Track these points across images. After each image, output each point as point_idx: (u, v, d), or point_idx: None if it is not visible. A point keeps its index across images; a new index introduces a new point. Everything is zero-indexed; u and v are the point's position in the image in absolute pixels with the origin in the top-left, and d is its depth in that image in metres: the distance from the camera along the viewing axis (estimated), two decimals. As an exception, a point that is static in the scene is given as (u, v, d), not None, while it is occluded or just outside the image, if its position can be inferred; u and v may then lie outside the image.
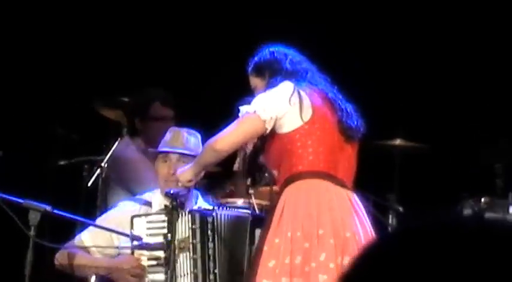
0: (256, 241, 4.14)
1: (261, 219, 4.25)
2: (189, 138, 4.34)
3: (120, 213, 4.27)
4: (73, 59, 6.16)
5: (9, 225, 3.94)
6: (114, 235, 4.25)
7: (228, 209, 4.43)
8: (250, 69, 3.98)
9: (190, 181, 3.95)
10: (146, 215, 4.23)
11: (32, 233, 3.83)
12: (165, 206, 4.19)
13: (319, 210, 3.68)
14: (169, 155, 4.27)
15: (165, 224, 4.15)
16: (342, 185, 3.75)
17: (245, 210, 4.55)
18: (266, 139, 3.82)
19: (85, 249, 4.26)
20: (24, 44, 6.16)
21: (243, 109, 3.76)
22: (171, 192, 4.03)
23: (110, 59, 6.14)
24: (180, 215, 4.13)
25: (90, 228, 4.29)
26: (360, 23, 6.03)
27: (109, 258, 4.27)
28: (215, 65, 6.01)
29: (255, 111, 3.68)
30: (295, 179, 3.73)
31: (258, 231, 4.27)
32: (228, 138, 3.74)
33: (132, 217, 4.13)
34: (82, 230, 4.28)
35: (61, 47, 6.22)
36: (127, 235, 4.10)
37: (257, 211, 4.73)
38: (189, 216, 4.12)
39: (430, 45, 6.06)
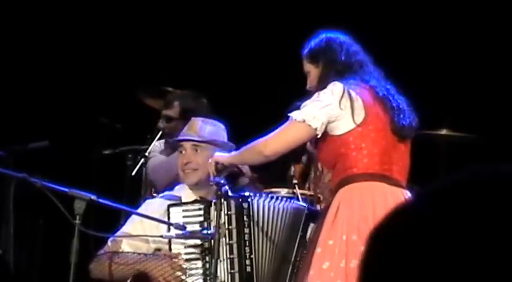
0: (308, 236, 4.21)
1: (316, 214, 4.34)
2: (203, 126, 4.35)
3: (150, 212, 4.24)
4: (117, 49, 6.24)
5: (55, 214, 4.00)
6: (149, 238, 4.25)
7: (281, 199, 4.51)
8: (304, 53, 3.98)
9: (221, 165, 3.93)
10: (182, 203, 4.25)
11: (77, 221, 3.86)
12: (200, 197, 4.24)
13: (375, 214, 3.68)
14: (183, 144, 4.28)
15: (201, 212, 4.20)
16: (397, 184, 3.75)
17: (301, 203, 4.66)
18: (319, 138, 3.82)
19: (119, 251, 4.25)
20: (68, 34, 6.30)
21: (293, 115, 3.77)
22: (216, 180, 4.05)
23: (154, 49, 6.21)
24: (216, 203, 4.17)
25: (123, 230, 4.32)
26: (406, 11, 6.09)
27: (145, 257, 4.25)
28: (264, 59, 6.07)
29: (304, 120, 3.69)
30: (349, 181, 3.73)
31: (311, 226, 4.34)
32: (277, 144, 3.77)
33: (169, 206, 4.15)
34: (127, 219, 4.31)
35: (106, 38, 6.31)
36: (171, 224, 4.08)
37: (300, 200, 4.84)
38: (225, 202, 4.15)
39: (474, 31, 6.06)
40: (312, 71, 3.93)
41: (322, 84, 3.79)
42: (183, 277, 4.22)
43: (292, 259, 4.29)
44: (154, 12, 6.32)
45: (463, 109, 5.79)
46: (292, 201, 4.71)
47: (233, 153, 3.99)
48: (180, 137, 4.36)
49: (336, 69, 3.81)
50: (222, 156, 3.99)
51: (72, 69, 6.20)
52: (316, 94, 3.76)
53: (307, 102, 3.76)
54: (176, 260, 4.19)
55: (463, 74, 6.07)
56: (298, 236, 4.31)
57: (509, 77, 6.00)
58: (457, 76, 6.04)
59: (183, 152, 4.27)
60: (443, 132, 5.04)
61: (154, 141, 4.73)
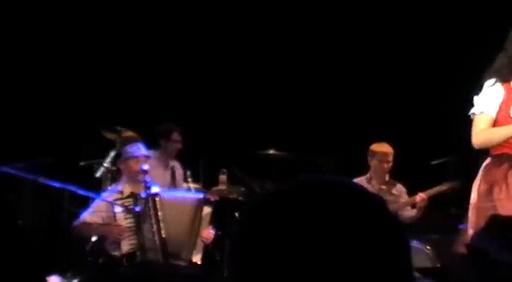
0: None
1: (205, 200, 5.93)
2: (143, 147, 6.06)
3: (104, 199, 5.85)
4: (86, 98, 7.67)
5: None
6: (103, 214, 5.76)
7: (184, 191, 6.17)
8: None
9: None
10: (121, 198, 5.83)
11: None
12: (131, 192, 5.87)
13: None
14: (139, 157, 6.01)
15: (132, 202, 5.77)
16: None
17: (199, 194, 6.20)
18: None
19: (87, 223, 5.85)
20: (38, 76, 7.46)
21: None
22: (145, 179, 5.89)
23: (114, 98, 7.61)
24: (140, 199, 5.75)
25: (89, 210, 5.85)
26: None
27: (102, 225, 5.84)
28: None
29: None
30: None
31: (205, 209, 5.97)
32: None
33: (114, 200, 5.83)
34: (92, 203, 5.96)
35: (77, 84, 7.62)
36: (120, 205, 5.86)
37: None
38: (145, 199, 5.79)
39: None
40: None
41: None
42: (125, 235, 5.81)
43: (196, 227, 5.91)
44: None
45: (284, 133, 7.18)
46: (193, 192, 6.34)
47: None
48: (140, 154, 5.88)
49: None
50: None
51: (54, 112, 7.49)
52: None
53: None
54: (120, 227, 5.84)
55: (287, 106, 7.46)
56: (198, 214, 5.95)
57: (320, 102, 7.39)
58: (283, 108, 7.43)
59: (138, 162, 5.88)
60: (271, 152, 6.60)
61: (110, 157, 6.24)
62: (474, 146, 4.14)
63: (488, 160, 4.26)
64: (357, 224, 1.21)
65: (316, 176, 1.27)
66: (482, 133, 4.13)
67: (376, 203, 1.25)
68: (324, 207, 1.21)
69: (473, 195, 4.24)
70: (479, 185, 4.23)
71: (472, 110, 4.17)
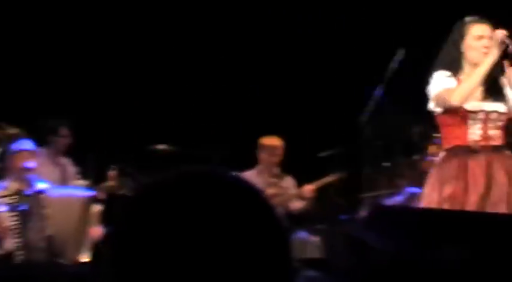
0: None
1: (94, 198, 5.93)
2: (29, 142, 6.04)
3: None
4: None
5: None
6: None
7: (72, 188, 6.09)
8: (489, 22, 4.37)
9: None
10: (6, 196, 5.77)
11: None
12: (17, 190, 5.78)
13: None
14: (24, 153, 5.95)
15: (17, 200, 5.71)
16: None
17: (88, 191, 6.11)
18: None
19: None
20: None
21: None
22: (29, 178, 5.83)
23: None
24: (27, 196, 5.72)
25: None
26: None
27: None
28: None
29: None
30: None
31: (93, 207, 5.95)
32: None
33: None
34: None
35: None
36: (4, 203, 5.77)
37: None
38: (31, 197, 5.75)
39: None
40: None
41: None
42: (8, 234, 5.69)
43: (83, 225, 5.90)
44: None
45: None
46: (82, 189, 6.19)
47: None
48: (25, 150, 5.84)
49: None
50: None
51: None
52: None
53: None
54: (3, 226, 5.71)
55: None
56: (86, 211, 5.94)
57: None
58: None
59: (22, 157, 5.78)
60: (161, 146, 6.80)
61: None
62: (454, 104, 4.22)
63: (442, 154, 4.39)
64: (233, 215, 1.21)
65: (193, 167, 1.27)
66: (453, 90, 4.24)
67: (252, 194, 1.24)
68: (197, 198, 1.22)
69: (425, 188, 4.40)
70: (432, 178, 4.36)
71: (433, 93, 4.30)
